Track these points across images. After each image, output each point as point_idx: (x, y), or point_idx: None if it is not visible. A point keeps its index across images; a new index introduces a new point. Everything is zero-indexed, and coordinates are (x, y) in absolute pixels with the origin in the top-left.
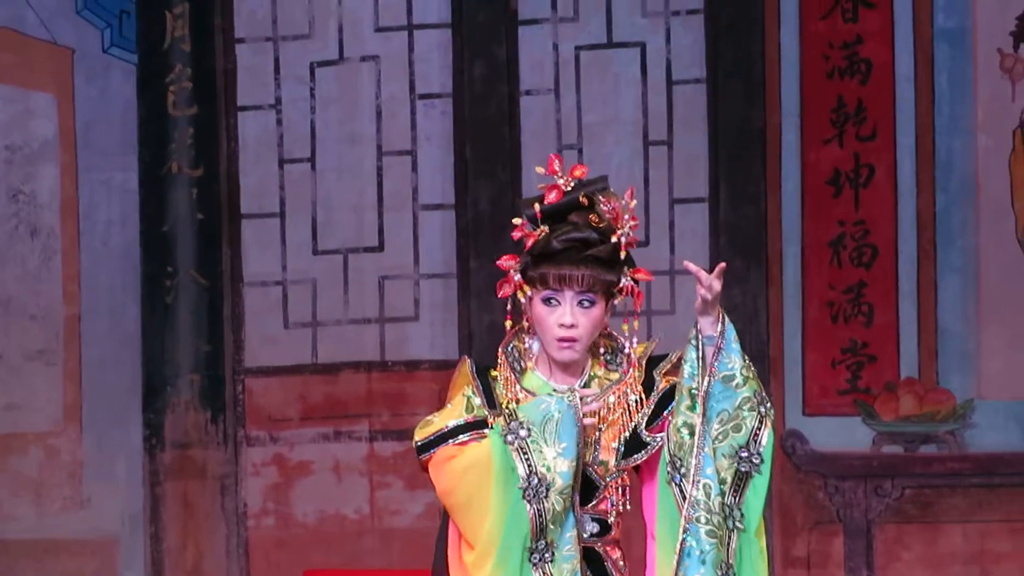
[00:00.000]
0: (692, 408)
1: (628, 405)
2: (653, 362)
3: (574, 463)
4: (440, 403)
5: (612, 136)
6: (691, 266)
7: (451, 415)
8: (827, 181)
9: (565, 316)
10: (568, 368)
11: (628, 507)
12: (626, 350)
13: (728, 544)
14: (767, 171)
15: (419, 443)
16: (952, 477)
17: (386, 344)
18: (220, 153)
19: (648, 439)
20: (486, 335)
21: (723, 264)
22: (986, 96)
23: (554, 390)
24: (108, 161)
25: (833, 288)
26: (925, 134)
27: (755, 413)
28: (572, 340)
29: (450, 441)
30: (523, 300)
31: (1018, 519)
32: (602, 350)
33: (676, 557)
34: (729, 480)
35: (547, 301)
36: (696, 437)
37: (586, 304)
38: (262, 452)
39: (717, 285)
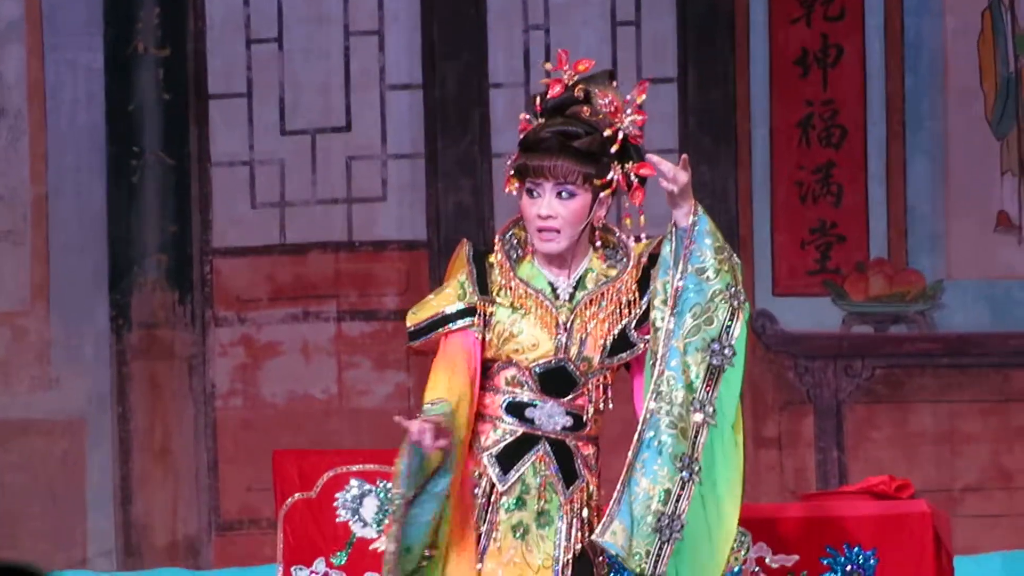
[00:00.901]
0: (664, 302)
1: (620, 303)
2: (652, 260)
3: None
4: (407, 284)
5: (579, 17)
6: (653, 158)
7: (444, 301)
8: (795, 61)
9: (543, 207)
10: (558, 260)
11: (610, 406)
12: (628, 246)
13: (695, 438)
14: (735, 52)
15: (411, 328)
16: (922, 357)
17: (354, 224)
18: (187, 33)
19: (635, 339)
20: (452, 216)
21: (685, 156)
22: None
23: (548, 283)
24: (74, 41)
25: (802, 168)
26: (893, 15)
27: (727, 305)
28: (551, 230)
29: (443, 327)
30: (514, 193)
31: (987, 399)
32: (600, 244)
33: (634, 447)
34: (701, 374)
35: (529, 192)
36: (663, 330)
37: (565, 195)
38: (230, 332)
39: (683, 177)
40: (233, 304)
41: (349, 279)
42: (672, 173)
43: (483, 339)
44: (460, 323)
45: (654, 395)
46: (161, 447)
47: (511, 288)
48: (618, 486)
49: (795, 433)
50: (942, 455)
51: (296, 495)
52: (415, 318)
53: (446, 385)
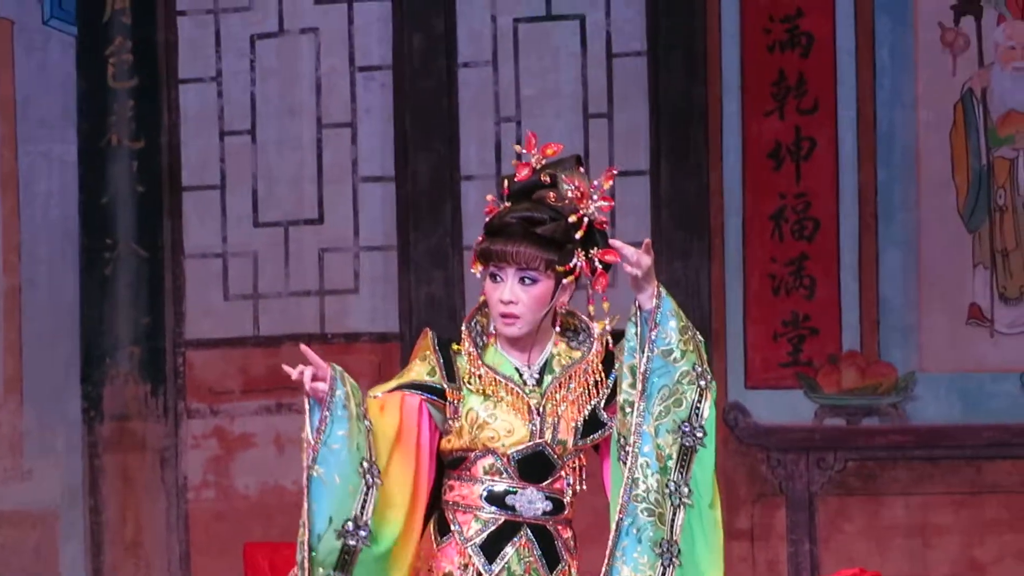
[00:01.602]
0: (632, 385)
1: (588, 385)
2: (614, 339)
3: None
4: (379, 376)
5: (552, 109)
6: (616, 243)
7: (412, 376)
8: (768, 154)
9: (505, 292)
10: (520, 344)
11: (583, 487)
12: (590, 329)
13: (672, 521)
14: (708, 144)
15: (375, 396)
16: (894, 450)
17: (326, 316)
18: (161, 125)
19: (606, 419)
20: (424, 308)
21: (648, 240)
22: (927, 70)
23: (515, 368)
24: (47, 133)
25: (775, 261)
26: (866, 107)
27: (695, 386)
28: (513, 316)
29: (406, 391)
30: (478, 276)
31: (959, 491)
32: (564, 329)
33: (613, 535)
34: (675, 456)
35: (492, 277)
36: (635, 414)
37: (527, 281)
38: (202, 424)
39: (646, 260)
40: (206, 396)
41: None
42: (635, 257)
43: (451, 428)
44: (420, 393)
45: (630, 482)
46: (133, 539)
47: (480, 376)
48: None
49: (767, 526)
50: (914, 547)
51: None
52: (380, 388)
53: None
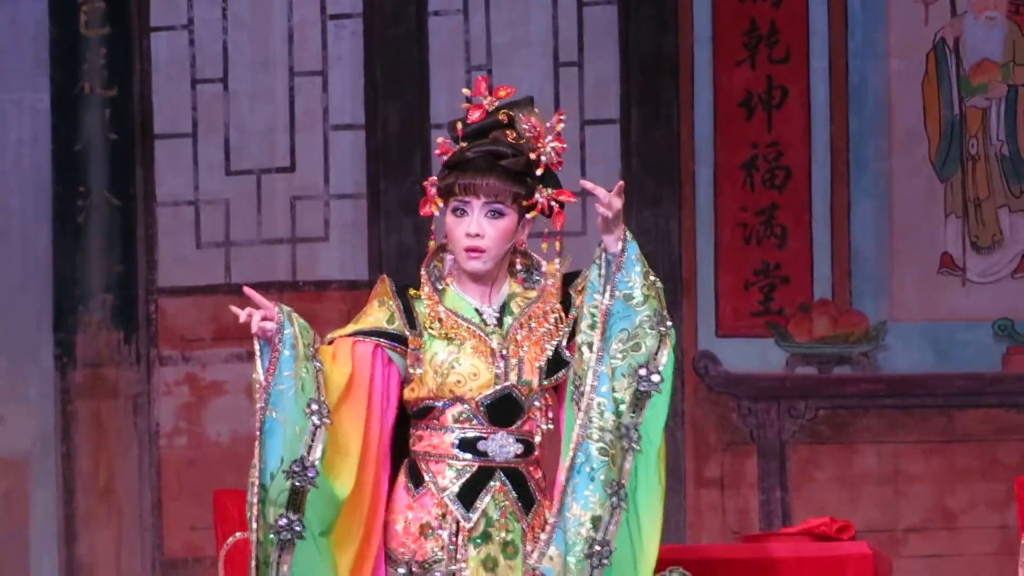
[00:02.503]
0: (592, 326)
1: (549, 323)
2: (568, 279)
3: None
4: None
5: (522, 58)
6: (588, 184)
7: (370, 323)
8: (739, 103)
9: (471, 225)
10: (481, 281)
11: (551, 426)
12: (542, 268)
13: (621, 464)
14: (679, 93)
15: (331, 339)
16: (865, 398)
17: (297, 264)
18: (133, 73)
19: (567, 357)
20: (394, 256)
21: (621, 183)
22: (899, 19)
23: (475, 309)
24: (19, 81)
25: (746, 210)
26: (838, 57)
27: (655, 332)
28: (479, 250)
29: (363, 337)
30: (437, 213)
31: (931, 439)
32: (519, 268)
33: (566, 473)
34: (628, 400)
35: (456, 211)
36: (593, 354)
37: (494, 215)
38: (174, 371)
39: (617, 203)
40: (178, 343)
41: None
42: (607, 199)
43: (413, 374)
44: (384, 341)
45: (585, 420)
46: (105, 486)
47: (441, 319)
48: (552, 510)
49: (738, 474)
50: (886, 496)
51: (237, 534)
52: (337, 332)
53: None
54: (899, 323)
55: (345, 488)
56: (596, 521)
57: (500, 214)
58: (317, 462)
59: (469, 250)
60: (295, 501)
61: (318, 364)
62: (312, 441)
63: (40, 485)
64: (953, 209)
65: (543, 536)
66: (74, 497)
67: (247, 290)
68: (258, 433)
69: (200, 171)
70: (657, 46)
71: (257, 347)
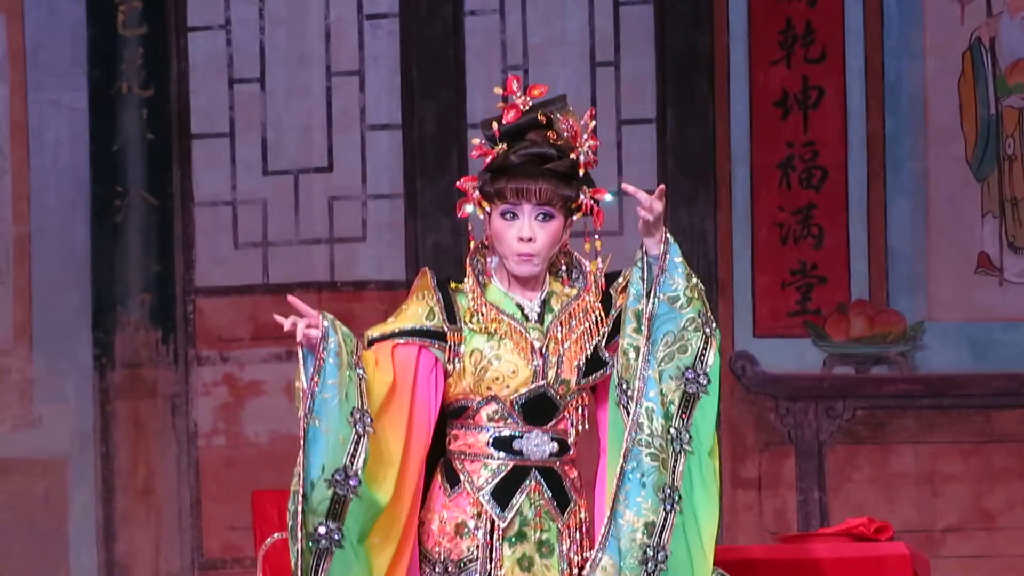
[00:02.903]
0: (638, 330)
1: (590, 322)
2: (609, 279)
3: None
4: None
5: (558, 57)
6: (630, 188)
7: (409, 319)
8: (775, 103)
9: (524, 229)
10: (526, 282)
11: (587, 426)
12: (584, 267)
13: (674, 467)
14: (715, 92)
15: (372, 337)
16: (903, 398)
17: (335, 264)
18: (170, 73)
19: (607, 357)
20: (431, 256)
21: (662, 186)
22: (935, 19)
23: (517, 305)
24: (57, 81)
25: (782, 210)
26: (874, 56)
27: (700, 333)
28: (530, 255)
29: (403, 339)
30: (482, 216)
31: (968, 440)
32: (561, 266)
33: (616, 480)
34: (676, 402)
35: (505, 215)
36: (640, 359)
37: (544, 218)
38: (212, 372)
39: (658, 206)
40: (215, 343)
41: None
42: (648, 202)
43: (451, 370)
44: (419, 339)
45: (634, 427)
46: (144, 486)
47: (482, 313)
48: (604, 520)
49: (776, 474)
50: (923, 496)
51: (276, 535)
52: (378, 330)
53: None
54: (936, 323)
55: (386, 496)
56: (650, 527)
57: (550, 217)
58: (360, 471)
59: (521, 255)
60: (336, 510)
61: (361, 372)
62: (355, 450)
63: (79, 485)
64: (990, 208)
65: (595, 548)
66: (113, 497)
67: (291, 299)
68: (301, 442)
69: (237, 171)
70: (693, 45)
71: (300, 355)
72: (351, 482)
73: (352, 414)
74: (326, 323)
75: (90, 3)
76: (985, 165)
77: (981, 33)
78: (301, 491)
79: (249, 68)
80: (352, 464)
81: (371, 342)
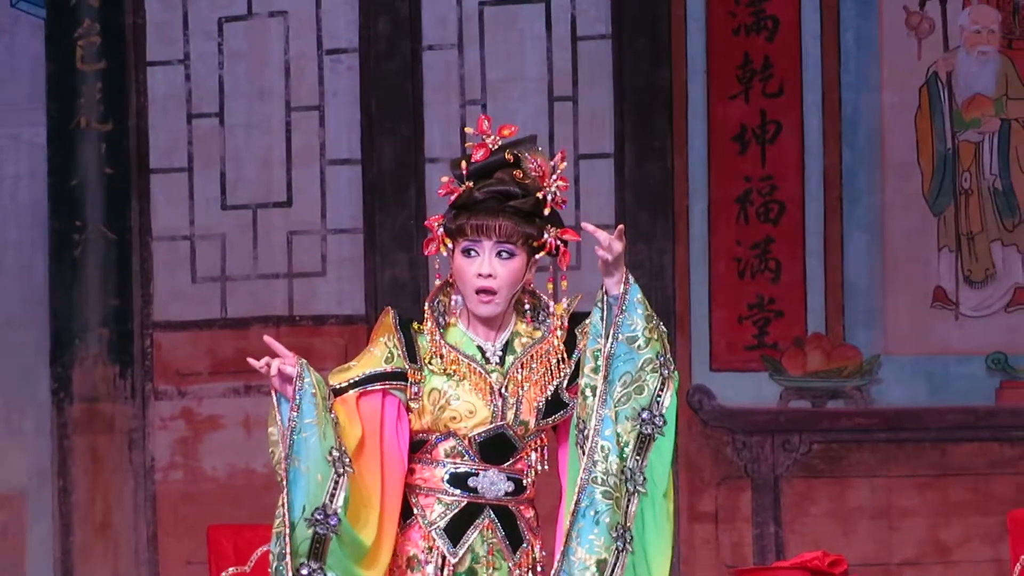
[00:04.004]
0: (595, 370)
1: (550, 364)
2: (576, 319)
3: None
4: (346, 358)
5: (516, 92)
6: (589, 227)
7: (369, 363)
8: (733, 137)
9: (483, 266)
10: (488, 323)
11: (545, 467)
12: (550, 308)
13: (627, 507)
14: (673, 127)
15: (335, 388)
16: (859, 432)
17: (294, 299)
18: (129, 108)
19: (567, 399)
20: (388, 291)
21: (621, 226)
22: (892, 53)
23: (478, 347)
24: (16, 116)
25: (740, 244)
26: (831, 91)
27: (657, 375)
28: (490, 292)
29: (364, 386)
30: (446, 254)
31: (924, 474)
32: (527, 307)
33: (571, 517)
34: (632, 443)
35: (466, 252)
36: (596, 398)
37: (505, 255)
38: (170, 406)
39: (617, 246)
40: (173, 378)
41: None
42: (607, 242)
43: (411, 408)
44: (379, 384)
45: (589, 465)
46: (102, 520)
47: (442, 355)
48: (557, 556)
49: (732, 508)
50: (880, 530)
51: (231, 570)
52: (335, 379)
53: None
54: (892, 356)
55: (370, 537)
56: (601, 565)
57: (511, 255)
58: (340, 510)
59: (480, 291)
60: (317, 550)
61: (334, 416)
62: (335, 489)
63: (37, 520)
64: (946, 243)
65: None
66: (71, 531)
67: (267, 339)
68: (283, 483)
69: (196, 205)
70: (651, 80)
71: (274, 400)
72: (331, 521)
73: (330, 452)
74: (300, 365)
75: (49, 38)
76: (941, 199)
77: (938, 68)
78: (286, 531)
79: (208, 103)
80: (331, 503)
81: (335, 392)
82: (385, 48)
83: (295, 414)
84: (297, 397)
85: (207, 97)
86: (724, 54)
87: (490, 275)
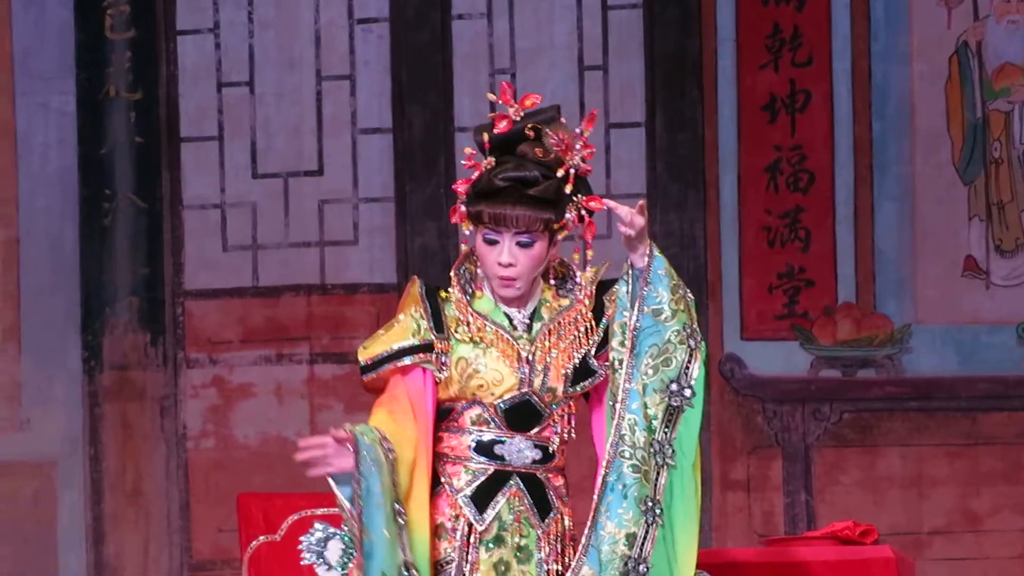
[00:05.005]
0: (623, 344)
1: (578, 332)
2: (603, 287)
3: None
4: (378, 326)
5: (546, 61)
6: (610, 203)
7: (397, 336)
8: (763, 107)
9: (503, 255)
10: (513, 298)
11: (573, 435)
12: (576, 278)
13: (656, 480)
14: (703, 97)
15: (363, 364)
16: (890, 401)
17: (326, 267)
18: (159, 77)
19: (596, 367)
20: (418, 259)
21: (642, 201)
22: (922, 22)
23: (505, 314)
24: (45, 85)
25: (770, 213)
26: (861, 60)
27: (684, 346)
28: (511, 279)
29: (395, 362)
30: (468, 233)
31: (954, 443)
32: (553, 276)
33: (599, 491)
34: (660, 415)
35: (486, 239)
36: (624, 372)
37: (524, 243)
38: (201, 374)
39: (639, 220)
40: (204, 346)
41: (321, 322)
42: (629, 217)
43: (439, 378)
44: (412, 358)
45: (616, 438)
46: (133, 488)
47: (468, 323)
48: (585, 530)
49: (763, 477)
50: (910, 499)
51: (261, 538)
52: (366, 353)
53: (384, 421)
54: (923, 326)
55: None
56: (631, 538)
57: (531, 242)
58: (412, 558)
59: (502, 278)
60: None
61: (392, 453)
62: (404, 542)
63: (68, 487)
64: (976, 212)
65: (576, 556)
66: (102, 499)
67: (301, 443)
68: (360, 557)
69: (227, 174)
70: (681, 49)
71: (332, 483)
72: (413, 571)
73: (395, 509)
74: (353, 435)
75: (78, 7)
76: (972, 168)
77: (968, 37)
78: None
79: (238, 72)
80: (407, 554)
81: (364, 369)
82: (415, 17)
83: (361, 489)
84: (360, 474)
85: (237, 66)
86: (753, 24)
87: (510, 264)
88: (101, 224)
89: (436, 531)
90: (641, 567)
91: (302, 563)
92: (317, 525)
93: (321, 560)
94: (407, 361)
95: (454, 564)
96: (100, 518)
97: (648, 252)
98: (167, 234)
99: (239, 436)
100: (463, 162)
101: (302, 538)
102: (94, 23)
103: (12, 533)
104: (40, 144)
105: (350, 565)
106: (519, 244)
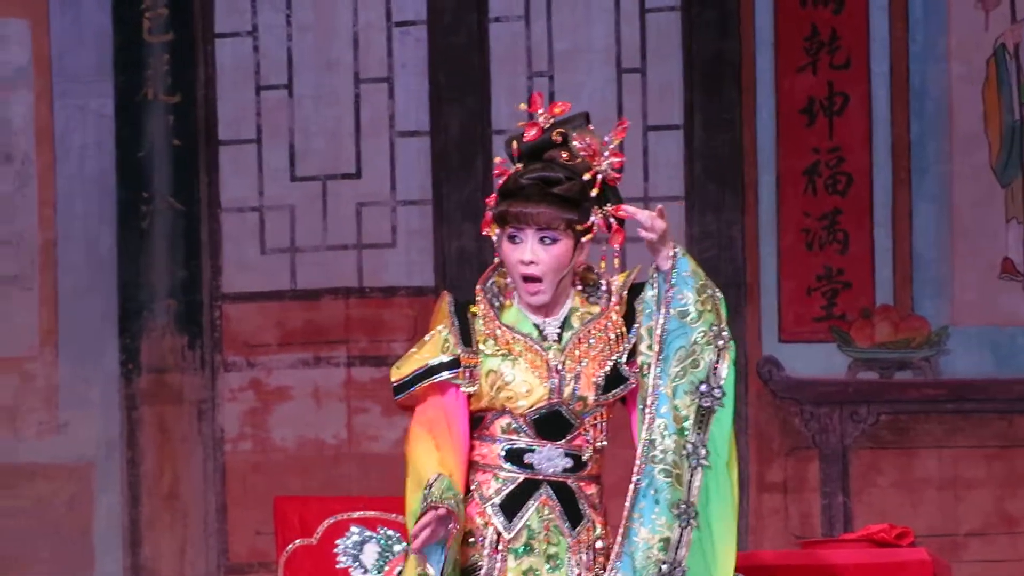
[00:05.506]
0: (651, 347)
1: (609, 339)
2: (635, 291)
3: None
4: (416, 330)
5: (583, 64)
6: (629, 209)
7: (428, 354)
8: (801, 109)
9: (526, 253)
10: (542, 307)
11: (606, 443)
12: (605, 285)
13: (689, 482)
14: (741, 99)
15: (395, 383)
16: (927, 403)
17: (364, 270)
18: (197, 79)
19: (627, 373)
20: (455, 262)
21: (660, 206)
22: (960, 24)
23: (534, 325)
24: (83, 87)
25: (808, 215)
26: (899, 62)
27: (712, 347)
28: (535, 279)
29: (427, 380)
30: (494, 238)
31: (991, 445)
32: (580, 285)
33: (631, 497)
34: (692, 417)
35: (511, 239)
36: (652, 376)
37: (547, 241)
38: (239, 377)
39: (660, 224)
40: (242, 349)
41: (359, 325)
42: (649, 222)
43: (469, 393)
44: (444, 375)
45: (647, 444)
46: (170, 491)
47: (496, 336)
48: (618, 537)
49: (800, 478)
50: (946, 501)
51: (297, 541)
52: (399, 372)
53: (436, 458)
54: (960, 328)
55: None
56: (665, 543)
57: (554, 240)
58: None
59: (526, 279)
60: None
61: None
62: None
63: (105, 490)
64: (1014, 214)
65: (609, 564)
66: (139, 502)
67: (419, 536)
68: None
69: (265, 177)
70: (719, 52)
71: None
72: None
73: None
74: (444, 503)
75: (116, 10)
76: (1009, 171)
77: (1005, 39)
78: None
79: (276, 74)
80: None
81: (397, 390)
82: (452, 20)
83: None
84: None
85: (275, 69)
86: (791, 26)
87: (532, 261)
88: (139, 227)
89: (465, 538)
90: (677, 571)
91: (338, 566)
92: (353, 528)
93: (357, 563)
94: (438, 378)
95: (483, 572)
96: (137, 521)
97: (672, 254)
98: (205, 237)
99: (276, 439)
100: (494, 171)
101: (338, 541)
102: (132, 26)
103: (49, 536)
104: (78, 147)
105: (386, 568)
106: (542, 241)
